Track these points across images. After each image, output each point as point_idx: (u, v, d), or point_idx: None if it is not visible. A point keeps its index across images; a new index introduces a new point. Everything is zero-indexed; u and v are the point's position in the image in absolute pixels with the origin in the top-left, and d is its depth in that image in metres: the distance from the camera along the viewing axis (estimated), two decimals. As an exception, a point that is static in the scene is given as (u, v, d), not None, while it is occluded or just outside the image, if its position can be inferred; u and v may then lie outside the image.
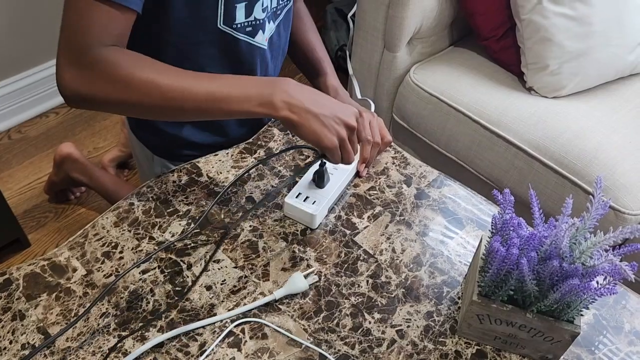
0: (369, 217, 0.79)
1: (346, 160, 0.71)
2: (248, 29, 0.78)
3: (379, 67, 1.48)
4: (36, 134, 1.78)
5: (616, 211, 1.16)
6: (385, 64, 1.45)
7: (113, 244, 0.73)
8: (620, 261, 0.55)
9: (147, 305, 0.67)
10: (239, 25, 0.77)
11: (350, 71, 1.56)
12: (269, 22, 0.82)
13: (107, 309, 0.67)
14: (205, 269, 0.70)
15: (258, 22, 0.79)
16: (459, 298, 0.71)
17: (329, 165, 0.77)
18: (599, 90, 1.36)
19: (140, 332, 0.65)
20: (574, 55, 1.27)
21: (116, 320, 0.66)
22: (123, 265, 0.71)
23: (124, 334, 0.64)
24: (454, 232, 0.79)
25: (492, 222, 0.63)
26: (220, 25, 0.75)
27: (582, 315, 0.61)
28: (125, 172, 1.69)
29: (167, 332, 0.64)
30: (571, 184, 1.21)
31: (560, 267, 0.57)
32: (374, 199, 0.82)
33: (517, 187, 1.29)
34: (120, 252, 0.73)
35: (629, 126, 1.27)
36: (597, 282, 0.58)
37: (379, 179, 0.85)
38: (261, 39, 0.82)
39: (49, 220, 1.57)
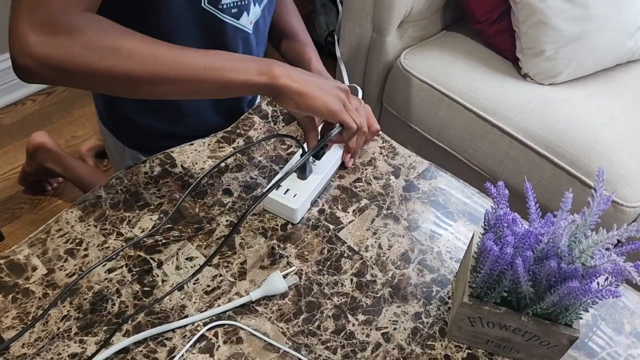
0: (354, 210, 0.75)
1: (359, 123, 0.69)
2: (233, 10, 0.75)
3: (368, 51, 1.43)
4: (11, 122, 1.73)
5: (614, 203, 1.12)
6: (375, 49, 1.40)
7: (77, 241, 0.68)
8: (624, 261, 0.50)
9: (112, 307, 0.62)
10: (224, 6, 0.73)
11: (338, 55, 1.50)
12: (254, 5, 0.78)
13: (68, 311, 0.62)
14: (195, 275, 0.65)
15: (243, 3, 0.75)
16: (449, 298, 0.67)
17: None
18: (597, 77, 1.32)
19: (104, 336, 0.60)
20: (570, 40, 1.23)
21: (78, 324, 0.61)
22: (87, 263, 0.66)
23: (86, 338, 0.60)
24: (445, 226, 0.74)
25: (484, 218, 0.59)
26: (204, 4, 0.71)
27: (581, 318, 0.57)
28: (104, 162, 1.64)
29: (133, 335, 0.60)
30: (568, 175, 1.17)
31: (558, 268, 0.52)
32: (359, 192, 0.77)
33: (512, 178, 1.25)
34: (85, 249, 0.67)
35: (628, 114, 1.23)
36: (598, 283, 0.54)
37: (366, 170, 0.80)
38: (246, 22, 0.78)
39: (24, 212, 1.52)
